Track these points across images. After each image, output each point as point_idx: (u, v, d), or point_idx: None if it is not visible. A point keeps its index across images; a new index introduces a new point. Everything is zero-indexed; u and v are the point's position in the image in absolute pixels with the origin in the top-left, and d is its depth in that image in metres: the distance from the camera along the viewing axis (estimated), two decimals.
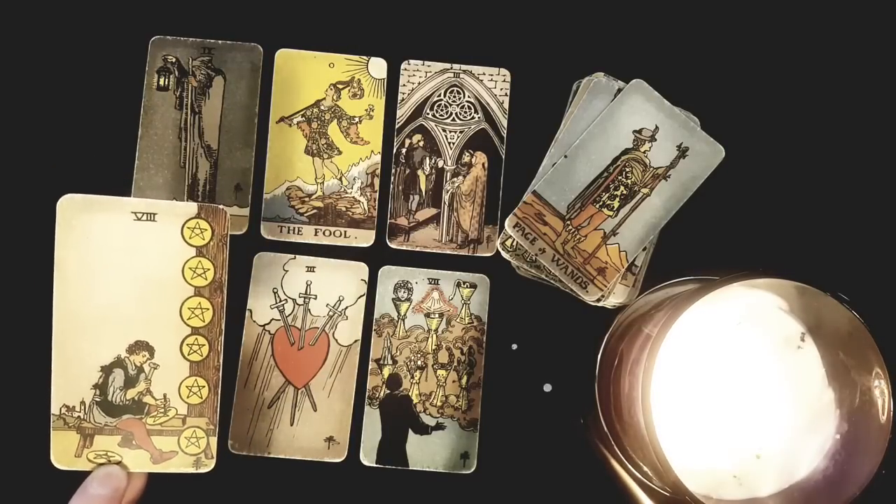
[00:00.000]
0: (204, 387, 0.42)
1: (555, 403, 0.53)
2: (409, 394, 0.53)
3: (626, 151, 0.52)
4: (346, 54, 0.54)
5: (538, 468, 0.53)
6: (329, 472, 0.52)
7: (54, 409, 0.42)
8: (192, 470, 0.44)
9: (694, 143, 0.52)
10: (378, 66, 0.55)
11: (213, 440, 0.43)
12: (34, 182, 0.53)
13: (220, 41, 0.54)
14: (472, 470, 0.53)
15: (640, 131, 0.52)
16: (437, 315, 0.53)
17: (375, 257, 0.54)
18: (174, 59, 0.54)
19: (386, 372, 0.53)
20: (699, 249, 0.53)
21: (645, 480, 0.47)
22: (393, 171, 0.54)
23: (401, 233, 0.54)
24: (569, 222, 0.52)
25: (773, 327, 0.45)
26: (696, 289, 0.42)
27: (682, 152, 0.52)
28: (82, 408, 0.42)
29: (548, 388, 0.53)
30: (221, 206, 0.41)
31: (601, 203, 0.52)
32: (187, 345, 0.41)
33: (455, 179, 0.54)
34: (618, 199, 0.52)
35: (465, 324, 0.54)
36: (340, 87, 0.54)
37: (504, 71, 0.55)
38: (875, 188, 0.55)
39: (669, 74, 0.53)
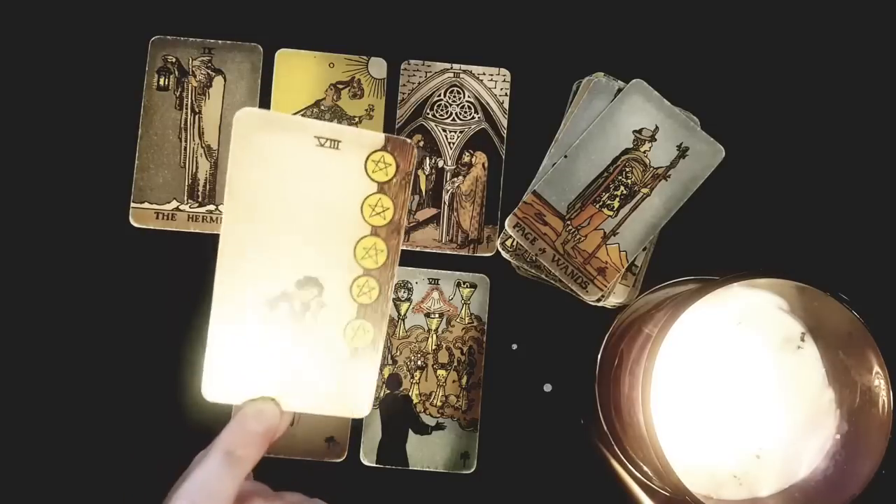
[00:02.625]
0: (370, 331, 0.39)
1: (555, 403, 0.53)
2: (409, 394, 0.53)
3: (626, 151, 0.52)
4: (346, 54, 0.54)
5: (538, 468, 0.53)
6: (329, 472, 0.52)
7: (212, 337, 0.39)
8: (346, 414, 0.40)
9: (694, 142, 0.52)
10: (378, 66, 0.55)
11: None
12: (34, 182, 0.53)
13: (220, 41, 0.54)
14: (472, 470, 0.53)
15: (640, 131, 0.52)
16: (437, 315, 0.53)
17: None
18: (174, 60, 0.54)
19: (386, 372, 0.53)
20: (699, 249, 0.53)
21: (645, 481, 0.47)
22: None
23: None
24: (569, 222, 0.52)
25: (774, 327, 0.45)
26: (697, 289, 0.42)
27: (682, 152, 0.52)
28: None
29: (548, 388, 0.53)
30: (409, 141, 0.38)
31: (601, 203, 0.52)
32: (357, 286, 0.38)
33: (455, 179, 0.54)
34: (618, 199, 0.52)
35: (465, 324, 0.54)
36: (340, 87, 0.54)
37: (504, 71, 0.55)
38: (875, 188, 0.55)
39: (669, 74, 0.53)
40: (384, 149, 0.38)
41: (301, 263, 0.37)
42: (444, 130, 0.55)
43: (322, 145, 0.37)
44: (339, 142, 0.37)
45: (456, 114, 0.55)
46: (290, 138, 0.37)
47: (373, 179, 0.37)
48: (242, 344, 0.39)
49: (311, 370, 0.39)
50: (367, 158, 0.38)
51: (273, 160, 0.37)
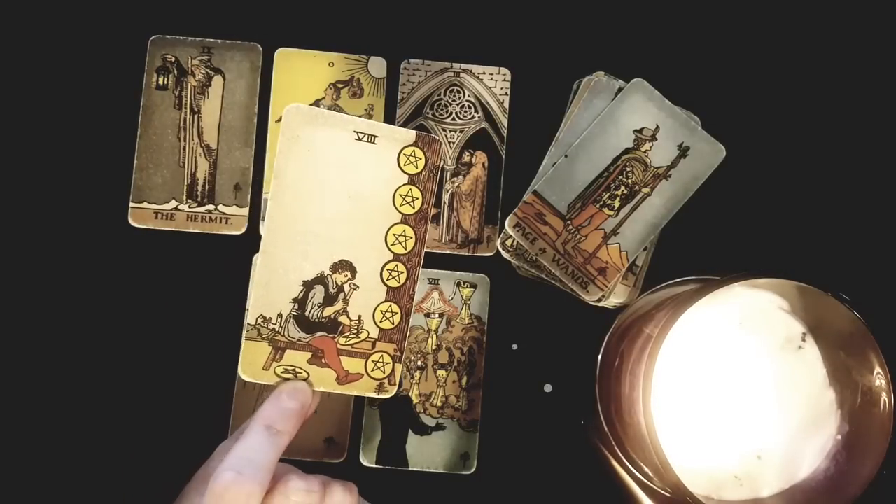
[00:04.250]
0: (397, 313, 0.42)
1: (555, 404, 0.53)
2: (409, 394, 0.53)
3: (626, 151, 0.52)
4: (346, 53, 0.54)
5: (538, 469, 0.53)
6: (329, 472, 0.52)
7: (250, 319, 0.41)
8: (373, 394, 0.43)
9: (695, 142, 0.52)
10: (378, 66, 0.55)
11: (399, 367, 0.43)
12: (33, 182, 0.53)
13: (219, 40, 0.54)
14: (472, 471, 0.52)
15: (640, 131, 0.52)
16: (437, 315, 0.53)
17: None
18: (173, 59, 0.54)
19: None
20: (700, 249, 0.53)
21: (645, 481, 0.47)
22: None
23: None
24: (569, 222, 0.51)
25: (774, 327, 0.45)
26: (697, 289, 0.42)
27: (683, 152, 0.52)
28: (279, 320, 0.42)
29: (548, 388, 0.53)
30: (437, 137, 0.42)
31: (602, 203, 0.52)
32: (387, 270, 0.41)
33: (455, 179, 0.54)
34: (618, 198, 0.52)
35: (465, 324, 0.53)
36: (340, 86, 0.54)
37: (504, 70, 0.55)
38: (875, 188, 0.55)
39: (670, 74, 0.53)
40: (415, 144, 0.41)
41: (336, 248, 0.40)
42: (444, 130, 0.54)
43: (360, 139, 0.40)
44: (375, 136, 0.41)
45: (456, 113, 0.55)
46: (333, 133, 0.40)
47: (404, 171, 0.41)
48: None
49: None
50: (400, 152, 0.41)
51: (316, 152, 0.40)
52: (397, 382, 0.43)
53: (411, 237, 0.41)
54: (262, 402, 0.51)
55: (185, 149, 0.53)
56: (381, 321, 0.41)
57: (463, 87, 0.55)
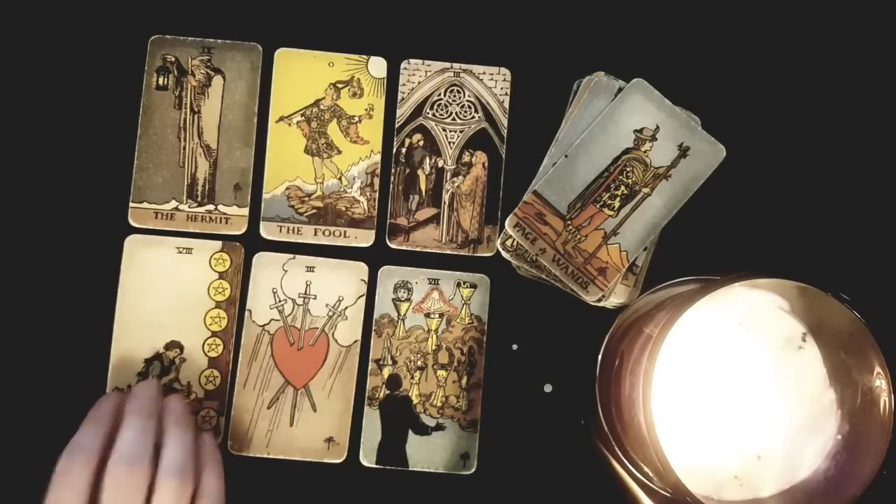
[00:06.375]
0: (217, 377, 0.52)
1: (555, 404, 0.53)
2: (409, 394, 0.53)
3: (626, 151, 0.52)
4: (346, 53, 0.54)
5: (538, 469, 0.53)
6: (329, 472, 0.52)
7: (109, 391, 0.52)
8: None
9: (695, 142, 0.52)
10: (378, 66, 0.55)
11: (223, 419, 0.52)
12: (33, 182, 0.53)
13: (219, 40, 0.54)
14: (473, 471, 0.52)
15: (640, 131, 0.52)
16: (437, 315, 0.53)
17: (375, 257, 0.53)
18: (173, 59, 0.54)
19: (386, 372, 0.53)
20: (700, 249, 0.53)
21: (646, 481, 0.47)
22: (393, 170, 0.54)
23: (401, 233, 0.54)
24: (569, 222, 0.51)
25: (774, 327, 0.45)
26: (697, 289, 0.42)
27: (683, 152, 0.52)
28: (127, 391, 0.50)
29: (548, 388, 0.53)
30: (238, 243, 0.53)
31: (602, 203, 0.52)
32: (207, 344, 0.52)
33: (455, 179, 0.54)
34: (618, 198, 0.52)
35: (466, 324, 0.53)
36: (340, 86, 0.54)
37: (504, 70, 0.55)
38: (875, 188, 0.55)
39: (670, 74, 0.53)
40: (221, 250, 0.52)
41: (168, 332, 0.52)
42: (444, 130, 0.54)
43: (181, 252, 0.52)
44: (191, 249, 0.52)
45: (456, 113, 0.55)
46: (160, 251, 0.52)
47: (214, 270, 0.52)
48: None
49: None
50: (211, 257, 0.52)
51: (149, 266, 0.52)
52: (221, 433, 0.52)
53: (224, 317, 0.52)
54: (263, 400, 0.52)
55: (185, 149, 0.53)
56: (205, 384, 0.52)
57: (463, 87, 0.55)
